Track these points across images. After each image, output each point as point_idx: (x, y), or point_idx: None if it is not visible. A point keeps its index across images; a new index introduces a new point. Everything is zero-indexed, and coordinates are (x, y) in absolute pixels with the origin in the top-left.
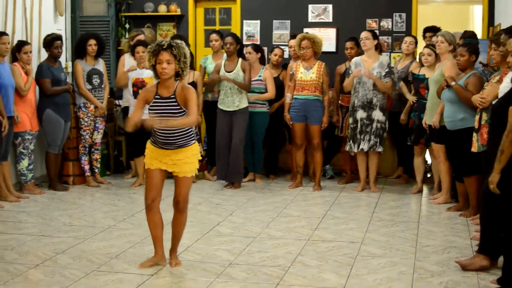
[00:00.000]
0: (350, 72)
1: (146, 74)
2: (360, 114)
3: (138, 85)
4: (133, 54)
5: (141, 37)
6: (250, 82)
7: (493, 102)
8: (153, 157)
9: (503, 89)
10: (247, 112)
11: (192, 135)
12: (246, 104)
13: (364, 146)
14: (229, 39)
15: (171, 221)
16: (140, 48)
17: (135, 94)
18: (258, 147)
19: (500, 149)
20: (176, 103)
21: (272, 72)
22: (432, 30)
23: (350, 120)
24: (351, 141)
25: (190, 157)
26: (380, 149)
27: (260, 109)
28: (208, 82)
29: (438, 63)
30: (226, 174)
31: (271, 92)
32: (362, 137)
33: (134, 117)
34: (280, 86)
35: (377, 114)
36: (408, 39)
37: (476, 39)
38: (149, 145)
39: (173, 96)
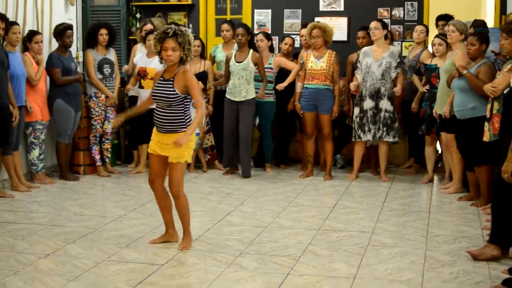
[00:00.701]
0: (359, 61)
1: (153, 64)
2: (368, 103)
3: (141, 74)
4: (145, 43)
5: (148, 26)
6: (265, 75)
7: (505, 91)
8: (153, 141)
9: None
10: (254, 102)
11: (185, 123)
12: (253, 95)
13: (377, 136)
14: (240, 30)
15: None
16: (151, 36)
17: (139, 84)
18: (266, 137)
19: None
20: (172, 87)
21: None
22: (445, 18)
23: (356, 110)
24: (360, 131)
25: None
26: (388, 139)
27: (267, 98)
28: (216, 84)
29: (449, 52)
30: (231, 162)
31: (295, 67)
32: (370, 126)
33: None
34: (287, 75)
35: (385, 104)
36: (419, 27)
37: (486, 28)
38: (154, 129)
39: (172, 79)
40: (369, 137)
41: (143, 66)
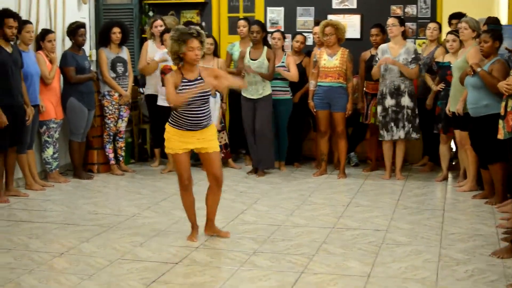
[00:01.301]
0: (377, 59)
1: None
2: (389, 101)
3: (166, 72)
4: (161, 42)
5: (158, 22)
6: (273, 71)
7: None
8: (176, 141)
9: None
10: (271, 99)
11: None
12: (269, 91)
13: (400, 133)
14: (255, 27)
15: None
16: (167, 35)
17: (163, 82)
18: (283, 135)
19: None
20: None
21: (295, 58)
22: (458, 16)
23: (379, 108)
24: (383, 130)
25: (214, 134)
26: (414, 136)
27: (284, 96)
28: (234, 72)
29: (462, 49)
30: (258, 161)
31: (294, 74)
32: (395, 124)
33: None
34: (302, 73)
35: (406, 101)
36: (432, 25)
37: (500, 25)
38: (170, 128)
39: (200, 78)
40: (390, 136)
41: (166, 64)
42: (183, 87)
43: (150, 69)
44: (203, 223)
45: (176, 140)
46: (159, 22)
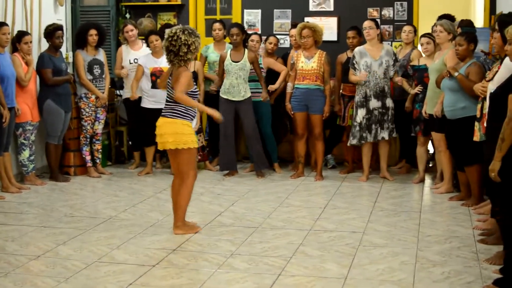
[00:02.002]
0: (355, 62)
1: (165, 63)
2: (374, 103)
3: (157, 75)
4: (148, 44)
5: (128, 27)
6: (261, 73)
7: (492, 91)
8: (192, 134)
9: (499, 77)
10: (251, 101)
11: None
12: (250, 93)
13: (385, 134)
14: (235, 30)
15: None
16: (153, 37)
17: (154, 84)
18: (269, 136)
19: (500, 137)
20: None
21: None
22: (447, 18)
23: (362, 111)
24: (366, 132)
25: None
26: (394, 135)
27: (260, 97)
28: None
29: (438, 52)
30: (230, 164)
31: (284, 69)
32: (380, 126)
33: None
34: (276, 75)
35: (389, 102)
36: (407, 28)
37: (474, 27)
38: (187, 122)
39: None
40: (372, 138)
41: (156, 66)
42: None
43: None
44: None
45: (192, 133)
46: (129, 27)
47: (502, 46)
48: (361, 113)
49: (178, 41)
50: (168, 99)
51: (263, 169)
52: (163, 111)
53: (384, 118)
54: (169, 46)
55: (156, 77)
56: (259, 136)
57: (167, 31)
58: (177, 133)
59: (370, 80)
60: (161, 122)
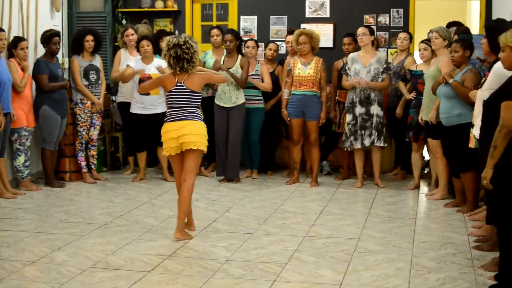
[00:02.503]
0: (347, 68)
1: (154, 69)
2: (359, 109)
3: (145, 81)
4: (137, 49)
5: (129, 32)
6: (247, 79)
7: (484, 98)
8: None
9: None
10: (244, 108)
11: None
12: (243, 100)
13: (366, 141)
14: (228, 36)
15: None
16: (144, 42)
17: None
18: (255, 144)
19: (493, 144)
20: (184, 88)
21: (268, 67)
22: (455, 25)
23: (349, 117)
24: (352, 138)
25: None
26: (381, 144)
27: (257, 105)
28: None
29: (434, 59)
30: (225, 170)
31: (268, 84)
32: (363, 132)
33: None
34: (275, 81)
35: (376, 109)
36: (402, 35)
37: (470, 34)
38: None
39: (182, 83)
40: (359, 144)
41: (145, 72)
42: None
43: (127, 77)
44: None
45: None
46: (130, 31)
47: (489, 52)
48: (348, 119)
49: (190, 49)
50: (184, 103)
51: (234, 177)
52: (180, 115)
53: (367, 124)
54: (182, 54)
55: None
56: (240, 146)
57: (172, 39)
58: (201, 134)
59: (357, 87)
60: (184, 124)
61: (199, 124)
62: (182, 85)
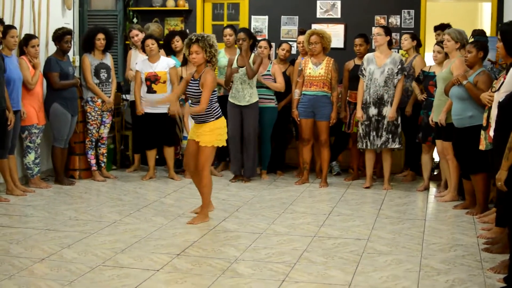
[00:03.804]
0: (363, 68)
1: (160, 67)
2: (372, 110)
3: (152, 79)
4: (143, 50)
5: (133, 33)
6: (256, 72)
7: (500, 100)
8: (191, 130)
9: (507, 86)
10: (258, 107)
11: (212, 114)
12: (256, 98)
13: (377, 142)
14: (241, 34)
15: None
16: (149, 41)
17: (149, 89)
18: (265, 143)
19: (508, 146)
20: (198, 85)
21: (280, 66)
22: (441, 28)
23: (364, 117)
24: (366, 138)
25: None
26: (394, 145)
27: (269, 104)
28: (226, 77)
29: (447, 60)
30: (242, 169)
31: (281, 84)
32: (375, 134)
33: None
34: (286, 82)
35: (388, 110)
36: (404, 36)
37: (486, 36)
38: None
39: (198, 79)
40: (371, 145)
41: (151, 71)
42: (188, 85)
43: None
44: (189, 236)
45: (191, 129)
46: (134, 32)
47: (506, 55)
48: (363, 119)
49: (212, 49)
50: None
51: (248, 177)
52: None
53: (379, 126)
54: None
55: (150, 82)
56: (257, 144)
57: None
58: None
59: (371, 87)
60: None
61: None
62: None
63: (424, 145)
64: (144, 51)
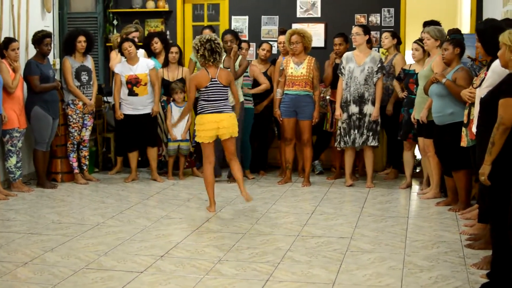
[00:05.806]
0: (342, 67)
1: (140, 70)
2: (353, 108)
3: (133, 82)
4: (122, 53)
5: (135, 34)
6: (240, 76)
7: (482, 96)
8: None
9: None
10: (243, 107)
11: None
12: (241, 99)
13: (358, 141)
14: (229, 36)
15: None
16: (126, 44)
17: (131, 92)
18: (246, 143)
19: (491, 141)
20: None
21: (260, 67)
22: (431, 24)
23: (344, 115)
24: (346, 137)
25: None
26: (373, 143)
27: (247, 105)
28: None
29: (428, 58)
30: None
31: (265, 83)
32: (356, 132)
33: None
34: (268, 81)
35: (369, 109)
36: (384, 34)
37: (461, 34)
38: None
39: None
40: (352, 143)
41: (131, 74)
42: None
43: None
44: (172, 238)
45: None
46: (136, 34)
47: (486, 54)
48: (343, 117)
49: (219, 45)
50: (219, 97)
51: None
52: (220, 107)
53: (360, 124)
54: (215, 48)
55: (132, 85)
56: (243, 144)
57: (203, 36)
58: (235, 123)
59: (351, 85)
60: (222, 117)
61: (233, 115)
62: (216, 81)
63: (405, 143)
64: (122, 54)
